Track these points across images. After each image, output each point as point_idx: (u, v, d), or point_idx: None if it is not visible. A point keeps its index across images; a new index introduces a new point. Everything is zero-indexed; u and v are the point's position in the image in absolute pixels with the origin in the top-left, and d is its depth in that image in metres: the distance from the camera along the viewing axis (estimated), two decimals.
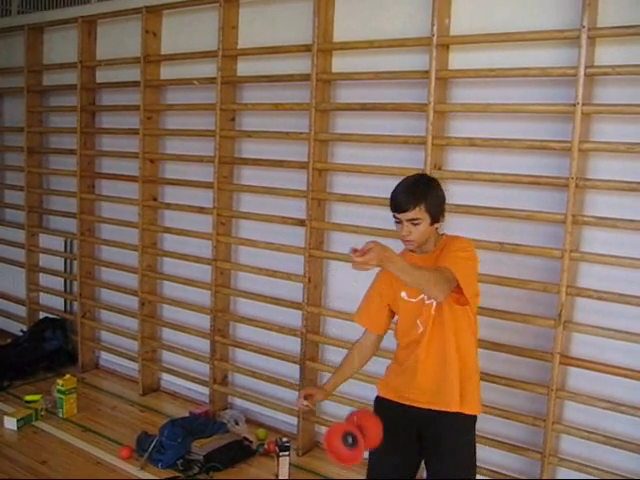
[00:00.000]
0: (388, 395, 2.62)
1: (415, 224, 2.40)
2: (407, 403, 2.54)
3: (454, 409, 2.46)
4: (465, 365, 2.48)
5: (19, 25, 5.45)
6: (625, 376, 2.99)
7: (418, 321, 2.49)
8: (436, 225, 2.47)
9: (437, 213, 2.45)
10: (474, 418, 2.55)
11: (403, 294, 2.52)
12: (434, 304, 2.44)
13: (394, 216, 2.44)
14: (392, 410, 2.57)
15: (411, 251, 2.52)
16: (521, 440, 3.33)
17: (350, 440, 2.34)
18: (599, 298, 3.02)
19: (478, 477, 3.37)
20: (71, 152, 5.10)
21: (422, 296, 2.46)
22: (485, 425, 3.39)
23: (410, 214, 2.39)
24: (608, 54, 2.98)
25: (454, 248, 2.44)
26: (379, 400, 2.66)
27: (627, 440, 3.01)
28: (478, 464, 3.34)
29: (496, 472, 3.36)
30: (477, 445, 3.35)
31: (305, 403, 2.64)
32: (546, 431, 3.15)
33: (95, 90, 5.08)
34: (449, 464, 2.52)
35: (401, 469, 2.60)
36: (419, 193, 2.40)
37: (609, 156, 3.04)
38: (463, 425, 2.52)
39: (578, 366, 3.14)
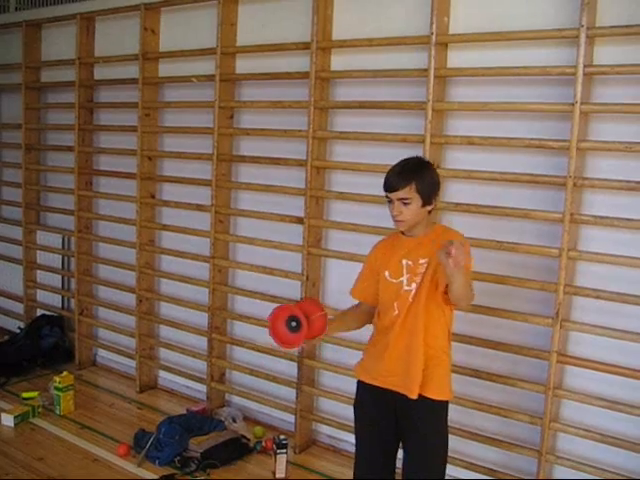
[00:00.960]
0: (363, 377, 2.68)
1: (406, 204, 2.45)
2: (381, 385, 2.60)
3: (414, 395, 2.50)
4: (433, 354, 2.53)
5: (17, 21, 5.44)
6: (622, 375, 3.00)
7: (395, 304, 2.54)
8: (428, 207, 2.51)
9: (429, 195, 2.49)
10: (444, 404, 2.59)
11: (386, 273, 2.57)
12: (412, 291, 2.50)
13: (386, 196, 2.50)
14: (370, 393, 2.65)
15: (401, 233, 2.57)
16: (518, 438, 3.34)
17: (294, 324, 2.38)
18: (596, 297, 3.03)
19: (476, 475, 3.42)
20: (69, 149, 5.09)
21: (402, 279, 2.52)
22: (482, 423, 3.41)
23: (400, 193, 2.44)
24: (607, 53, 2.98)
25: (470, 256, 2.46)
26: (359, 383, 2.73)
27: (624, 438, 3.02)
28: (475, 462, 3.40)
29: (493, 470, 3.37)
30: (474, 443, 3.38)
31: None
32: (543, 429, 3.15)
33: (93, 87, 5.07)
34: (418, 448, 2.58)
35: (383, 452, 2.67)
36: (410, 173, 2.46)
37: (607, 155, 3.04)
38: (432, 410, 2.56)
39: (575, 365, 3.15)
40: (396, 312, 2.54)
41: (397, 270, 2.54)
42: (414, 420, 2.56)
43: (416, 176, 2.45)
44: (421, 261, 2.50)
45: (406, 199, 2.44)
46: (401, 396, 2.54)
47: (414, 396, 2.51)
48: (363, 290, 2.73)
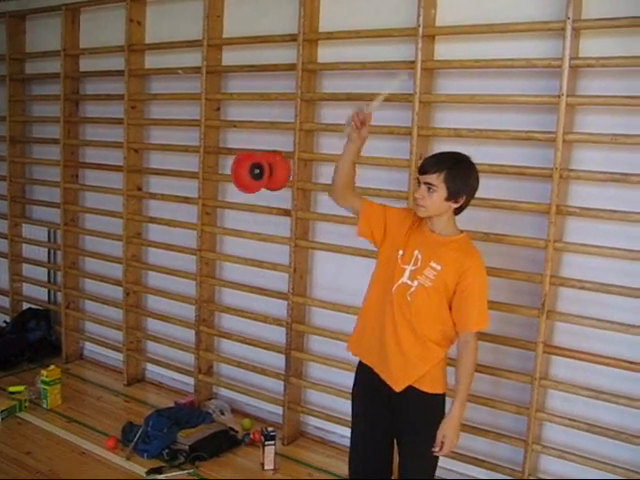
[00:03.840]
0: (362, 356, 2.70)
1: (430, 189, 2.44)
2: (373, 368, 2.62)
3: (399, 388, 2.53)
4: (427, 351, 2.54)
5: (0, 12, 5.37)
6: (607, 364, 3.03)
7: (393, 288, 2.52)
8: (452, 204, 2.48)
9: (456, 191, 2.46)
10: (439, 397, 2.60)
11: (400, 252, 2.54)
12: (412, 289, 2.49)
13: (417, 178, 2.53)
14: (367, 376, 2.66)
15: (422, 220, 2.56)
16: (505, 428, 3.37)
17: (257, 171, 2.40)
18: (582, 288, 3.05)
19: (462, 465, 3.45)
20: (54, 141, 5.05)
21: (406, 268, 2.51)
22: (469, 413, 3.42)
23: (428, 177, 2.45)
24: (592, 46, 3.00)
25: (481, 288, 2.51)
26: (359, 363, 2.73)
27: (608, 427, 3.05)
28: (463, 452, 3.41)
29: (480, 460, 3.40)
30: (462, 433, 3.38)
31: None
32: (529, 419, 3.18)
33: (79, 79, 5.03)
34: (410, 442, 2.61)
35: (377, 437, 2.69)
36: (445, 162, 2.46)
37: (593, 147, 3.07)
38: (425, 403, 2.57)
39: (561, 355, 3.18)
40: (390, 298, 2.53)
41: (407, 257, 2.52)
42: (407, 412, 2.58)
43: (449, 167, 2.44)
44: (432, 264, 2.47)
45: (432, 185, 2.44)
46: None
47: (397, 390, 2.53)
48: (373, 211, 2.68)
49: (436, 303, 2.48)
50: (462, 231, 2.61)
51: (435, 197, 2.44)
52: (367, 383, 2.68)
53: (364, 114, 2.56)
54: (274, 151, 2.56)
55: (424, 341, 2.52)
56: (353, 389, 2.77)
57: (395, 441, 2.70)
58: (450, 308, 2.51)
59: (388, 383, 2.56)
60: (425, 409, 2.58)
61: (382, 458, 2.73)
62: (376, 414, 2.66)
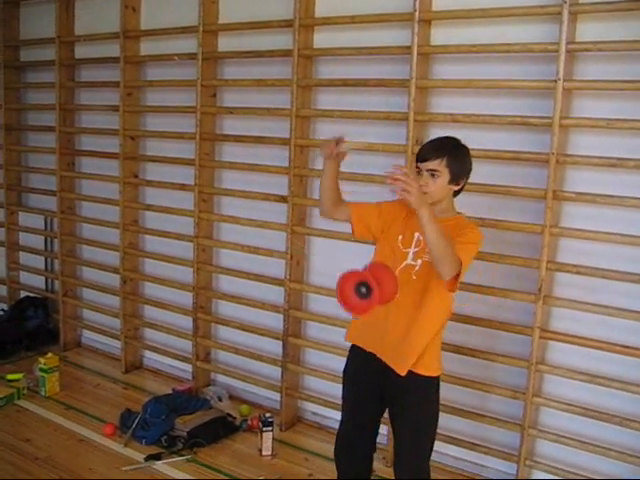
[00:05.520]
0: (359, 342, 2.70)
1: (434, 176, 2.48)
2: (374, 353, 2.62)
3: (403, 372, 2.54)
4: (429, 333, 2.55)
5: None
6: (603, 349, 3.04)
7: (396, 272, 2.51)
8: (454, 187, 2.54)
9: (458, 174, 2.52)
10: (434, 380, 2.62)
11: (400, 237, 2.57)
12: (417, 267, 2.51)
13: (416, 166, 2.53)
14: (362, 358, 2.67)
15: None
16: (501, 413, 3.38)
17: (364, 290, 2.27)
18: (578, 273, 3.06)
19: (458, 450, 3.47)
20: (50, 129, 5.03)
21: (409, 250, 2.53)
22: (465, 398, 3.45)
23: (430, 164, 2.48)
24: (589, 30, 2.99)
25: (471, 239, 2.49)
26: (352, 348, 2.75)
27: (604, 411, 3.07)
28: (458, 436, 3.44)
29: (476, 444, 3.42)
30: (456, 418, 3.42)
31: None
32: (526, 404, 3.20)
33: (74, 66, 5.00)
34: (405, 424, 2.62)
35: (366, 415, 2.72)
36: (445, 147, 2.51)
37: (589, 132, 3.06)
38: (420, 385, 2.58)
39: (557, 340, 3.19)
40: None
41: (408, 240, 2.56)
42: (402, 395, 2.59)
43: (449, 152, 2.49)
44: None
45: (435, 171, 2.48)
46: (391, 369, 2.57)
47: (403, 373, 2.54)
48: (361, 210, 2.68)
49: (436, 275, 2.46)
50: (459, 213, 2.66)
51: (439, 182, 2.49)
52: (361, 367, 2.70)
53: (334, 146, 2.57)
54: (375, 263, 2.49)
55: (428, 317, 2.53)
56: (344, 373, 2.79)
57: (392, 428, 2.72)
58: None
59: (392, 367, 2.56)
60: (421, 392, 2.60)
61: (370, 435, 2.76)
62: (366, 397, 2.69)
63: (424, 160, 2.51)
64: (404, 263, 2.54)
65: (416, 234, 2.54)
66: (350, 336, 2.76)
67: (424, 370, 2.57)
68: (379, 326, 2.59)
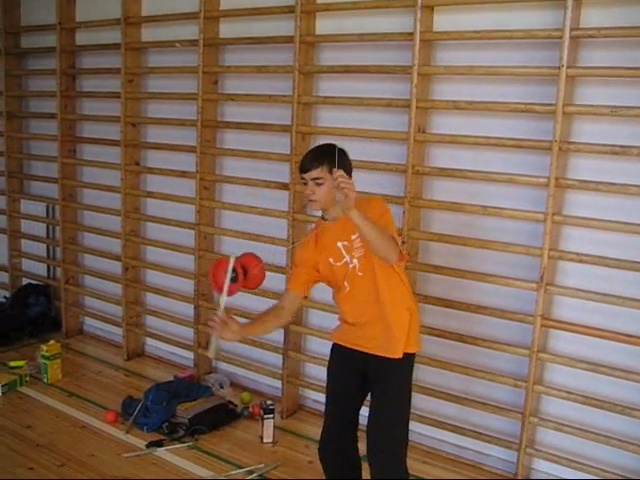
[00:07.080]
0: (340, 341, 2.78)
1: (319, 184, 2.57)
2: (358, 349, 2.68)
3: (399, 354, 2.59)
4: (404, 310, 2.62)
5: None
6: (604, 338, 3.04)
7: (345, 282, 2.64)
8: None
9: None
10: (410, 356, 2.67)
11: (331, 260, 2.65)
12: (357, 266, 2.60)
13: (302, 178, 2.62)
14: (343, 353, 2.75)
15: (323, 219, 2.69)
16: (503, 401, 3.38)
17: (233, 275, 2.59)
18: (580, 261, 3.05)
19: (461, 438, 3.47)
20: (51, 116, 5.02)
21: (345, 260, 2.63)
22: (467, 386, 3.45)
23: (313, 173, 2.56)
24: (594, 16, 2.96)
25: (378, 209, 2.58)
26: (334, 346, 2.82)
27: (605, 400, 3.07)
28: (461, 425, 3.44)
29: (478, 432, 3.42)
30: (458, 406, 3.42)
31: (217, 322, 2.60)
32: (527, 392, 3.20)
33: (75, 53, 4.98)
34: (381, 401, 2.66)
35: (347, 400, 2.78)
36: (323, 155, 2.59)
37: (593, 119, 3.04)
38: (398, 363, 2.62)
39: (559, 328, 3.18)
40: (348, 288, 2.64)
41: (337, 254, 2.63)
42: (381, 375, 2.64)
43: (328, 158, 2.54)
44: (353, 237, 2.59)
45: (319, 179, 2.55)
46: (374, 357, 2.62)
47: (399, 355, 2.59)
48: (301, 281, 2.75)
49: (377, 260, 2.54)
50: None
51: (324, 188, 2.56)
52: (342, 362, 2.78)
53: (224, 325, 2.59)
54: (248, 253, 2.73)
55: (392, 297, 2.59)
56: (327, 372, 2.84)
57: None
58: None
59: (384, 355, 2.60)
60: (397, 369, 2.64)
61: (351, 422, 2.79)
62: (348, 389, 2.76)
63: (307, 171, 2.58)
64: (347, 271, 2.62)
65: (339, 244, 2.63)
66: (334, 337, 2.83)
67: (408, 349, 2.62)
68: (358, 325, 2.66)
